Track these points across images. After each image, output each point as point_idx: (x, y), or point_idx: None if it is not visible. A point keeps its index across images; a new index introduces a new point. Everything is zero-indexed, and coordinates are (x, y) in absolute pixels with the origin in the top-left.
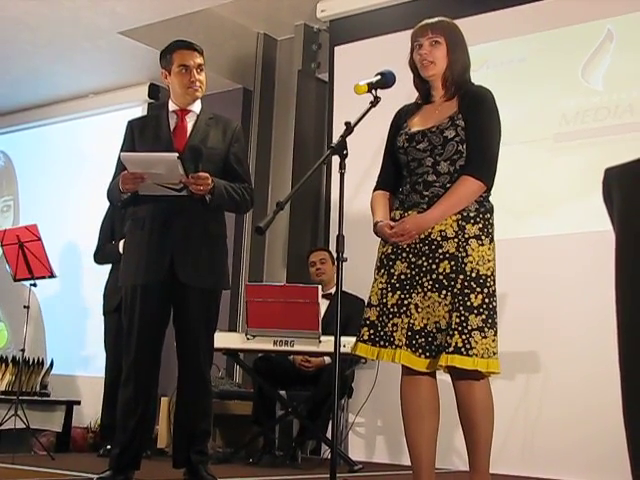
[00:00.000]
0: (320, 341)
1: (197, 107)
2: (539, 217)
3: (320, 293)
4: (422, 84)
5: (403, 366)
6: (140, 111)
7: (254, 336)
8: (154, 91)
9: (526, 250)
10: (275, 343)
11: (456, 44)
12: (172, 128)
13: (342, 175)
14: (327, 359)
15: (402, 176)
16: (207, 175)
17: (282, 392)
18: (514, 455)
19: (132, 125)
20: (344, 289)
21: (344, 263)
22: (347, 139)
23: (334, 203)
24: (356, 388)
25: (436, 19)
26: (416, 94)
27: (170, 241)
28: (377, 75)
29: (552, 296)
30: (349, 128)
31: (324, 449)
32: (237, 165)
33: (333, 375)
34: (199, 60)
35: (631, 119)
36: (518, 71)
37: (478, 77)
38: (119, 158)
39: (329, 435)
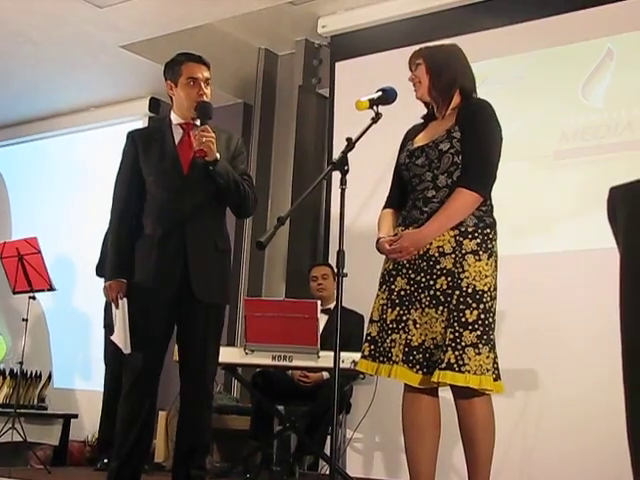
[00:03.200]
0: (319, 356)
1: None
2: (539, 234)
3: (319, 308)
4: (428, 107)
5: (405, 384)
6: (141, 125)
7: (252, 351)
8: (155, 105)
9: (525, 267)
10: (274, 358)
11: (435, 62)
12: (177, 142)
13: (343, 191)
14: (325, 374)
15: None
16: (212, 133)
17: (280, 407)
18: (513, 472)
19: (134, 137)
20: (343, 305)
21: (344, 279)
22: (348, 155)
23: (334, 218)
24: (354, 404)
25: (421, 46)
26: (416, 109)
27: (182, 256)
28: (378, 91)
29: (552, 313)
30: (350, 144)
31: (322, 465)
32: (242, 176)
33: (332, 390)
34: (207, 74)
35: (631, 137)
36: (518, 88)
37: (477, 94)
38: (120, 168)
39: (327, 451)
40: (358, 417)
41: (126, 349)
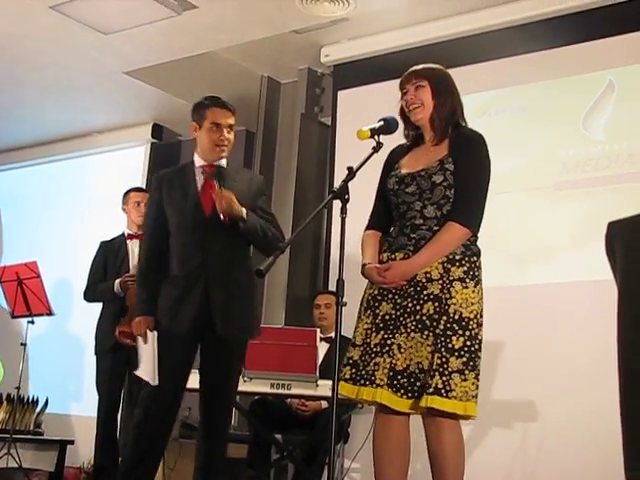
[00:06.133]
0: (317, 385)
1: (223, 162)
2: (539, 265)
3: (318, 337)
4: (413, 130)
5: (378, 405)
6: (143, 151)
7: (251, 378)
8: (157, 131)
9: (526, 298)
10: (272, 386)
11: (441, 87)
12: (199, 185)
13: (343, 220)
14: (324, 403)
15: (392, 216)
16: (230, 195)
17: (278, 436)
18: None
19: (159, 180)
20: (344, 333)
21: (344, 307)
22: (349, 184)
23: (334, 247)
24: (352, 433)
25: (421, 66)
26: None
27: (204, 295)
28: (380, 121)
29: (552, 344)
30: (351, 173)
31: None
32: (265, 216)
33: (330, 419)
34: (231, 120)
35: (632, 169)
36: (519, 119)
37: (479, 124)
38: (149, 208)
39: None
40: (356, 447)
41: (154, 381)
